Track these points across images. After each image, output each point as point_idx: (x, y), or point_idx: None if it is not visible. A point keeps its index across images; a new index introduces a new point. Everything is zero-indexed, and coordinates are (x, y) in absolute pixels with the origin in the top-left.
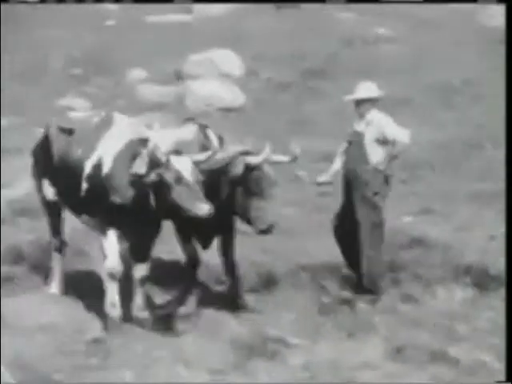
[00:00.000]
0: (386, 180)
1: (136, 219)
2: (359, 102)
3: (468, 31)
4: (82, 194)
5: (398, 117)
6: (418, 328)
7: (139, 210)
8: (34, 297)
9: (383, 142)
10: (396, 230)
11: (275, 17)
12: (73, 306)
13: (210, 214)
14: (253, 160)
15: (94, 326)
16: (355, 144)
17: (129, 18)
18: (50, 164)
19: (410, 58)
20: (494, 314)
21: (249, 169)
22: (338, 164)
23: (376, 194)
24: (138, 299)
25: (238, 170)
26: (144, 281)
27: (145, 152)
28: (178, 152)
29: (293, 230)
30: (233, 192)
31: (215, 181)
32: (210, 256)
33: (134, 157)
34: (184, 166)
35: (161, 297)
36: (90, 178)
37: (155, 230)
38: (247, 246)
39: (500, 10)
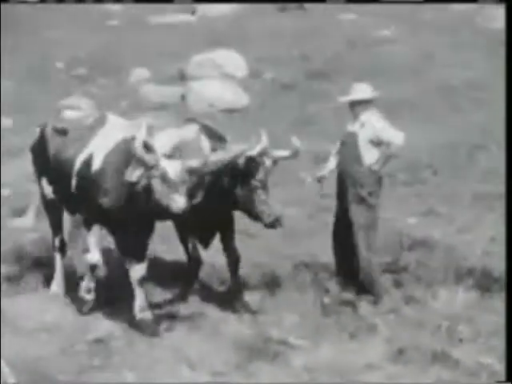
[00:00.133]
0: (379, 181)
1: (126, 219)
2: (354, 104)
3: (471, 33)
4: (73, 191)
5: (400, 119)
6: (420, 330)
7: (129, 210)
8: (37, 297)
9: (377, 143)
10: (399, 232)
11: (279, 18)
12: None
13: (184, 209)
14: (252, 152)
15: (97, 327)
16: (349, 145)
17: (132, 19)
18: (47, 163)
19: (413, 59)
20: (496, 316)
21: (249, 162)
22: (332, 163)
23: (370, 193)
24: (139, 300)
25: (239, 165)
26: (142, 281)
27: (136, 159)
28: (174, 156)
29: (295, 230)
30: (235, 188)
31: (217, 179)
32: (213, 256)
33: (125, 157)
34: (172, 166)
35: (162, 296)
36: (80, 174)
37: (147, 229)
38: (249, 247)
39: (503, 12)
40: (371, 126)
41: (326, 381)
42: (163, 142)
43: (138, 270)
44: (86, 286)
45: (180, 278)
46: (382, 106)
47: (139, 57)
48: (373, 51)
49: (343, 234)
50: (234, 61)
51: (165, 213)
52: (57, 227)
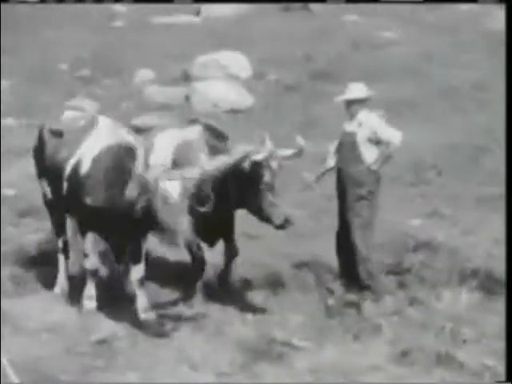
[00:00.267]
0: (378, 180)
1: (116, 223)
2: (349, 103)
3: (474, 34)
4: (64, 193)
5: (404, 119)
6: (424, 331)
7: (120, 215)
8: (41, 298)
9: (376, 141)
10: (403, 233)
11: (283, 19)
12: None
13: (190, 228)
14: (257, 157)
15: (100, 327)
16: (348, 144)
17: (136, 20)
18: (45, 164)
19: (417, 61)
20: (500, 317)
21: (255, 166)
22: (331, 162)
23: (370, 192)
24: (141, 301)
25: (245, 169)
26: (143, 282)
27: (136, 175)
28: (176, 164)
29: (299, 232)
30: (243, 192)
31: (223, 183)
32: (216, 257)
33: (115, 163)
34: (172, 186)
35: (166, 297)
36: (70, 177)
37: (140, 233)
38: (253, 249)
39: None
40: (369, 124)
41: (330, 382)
42: (166, 142)
43: (136, 272)
44: (88, 293)
45: (184, 278)
46: (385, 107)
47: (143, 58)
48: (376, 52)
49: (344, 234)
50: (238, 62)
51: (165, 227)
52: (59, 228)
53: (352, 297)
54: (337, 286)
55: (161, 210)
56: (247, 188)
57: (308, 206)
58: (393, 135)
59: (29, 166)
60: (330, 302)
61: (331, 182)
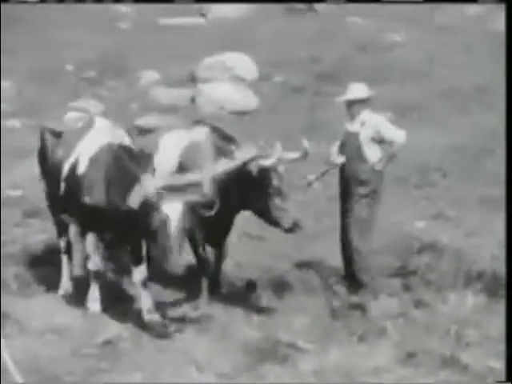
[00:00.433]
0: (382, 179)
1: (116, 223)
2: (350, 103)
3: (480, 36)
4: (62, 193)
5: (409, 121)
6: (429, 333)
7: (120, 216)
8: (46, 299)
9: (379, 141)
10: (408, 235)
11: (288, 21)
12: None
13: (181, 273)
14: (266, 162)
15: (106, 329)
16: (351, 144)
17: (142, 21)
18: (47, 164)
19: (423, 63)
20: (504, 320)
21: (263, 172)
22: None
23: (373, 191)
24: (145, 302)
25: (252, 173)
26: (145, 283)
27: (139, 185)
28: (183, 166)
29: (303, 234)
30: (250, 194)
31: (226, 184)
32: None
33: (114, 160)
34: (174, 210)
35: (171, 299)
36: (67, 177)
37: (140, 234)
38: (258, 251)
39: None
40: (372, 123)
41: None
42: (172, 144)
43: (138, 273)
44: (92, 295)
45: (188, 279)
46: (390, 109)
47: (149, 59)
48: (381, 54)
49: (344, 232)
50: (244, 63)
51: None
52: (61, 228)
53: (357, 298)
54: (342, 288)
55: (159, 232)
56: (255, 192)
57: (312, 208)
58: (396, 134)
59: (34, 166)
60: (335, 303)
61: (335, 183)
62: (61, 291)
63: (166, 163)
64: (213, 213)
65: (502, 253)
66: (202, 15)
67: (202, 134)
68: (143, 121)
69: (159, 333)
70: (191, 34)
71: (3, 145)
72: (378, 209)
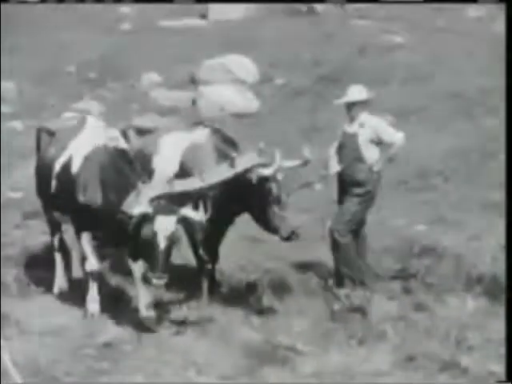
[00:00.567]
0: (378, 180)
1: (111, 222)
2: (350, 106)
3: (482, 39)
4: (53, 191)
5: (411, 125)
6: (429, 337)
7: (116, 215)
8: (46, 300)
9: (377, 142)
10: (408, 239)
11: (290, 23)
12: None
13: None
14: (265, 172)
15: (106, 330)
16: (349, 145)
17: (144, 23)
18: (38, 163)
19: (425, 66)
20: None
21: (263, 180)
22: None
23: (368, 192)
24: (143, 297)
25: (252, 181)
26: (145, 278)
27: (135, 193)
28: (184, 174)
29: (305, 237)
30: (249, 202)
31: (227, 190)
32: (221, 261)
33: (109, 160)
34: (164, 227)
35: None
36: (59, 175)
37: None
38: (258, 253)
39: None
40: (371, 125)
41: None
42: (173, 145)
43: (137, 268)
44: (91, 296)
45: (189, 281)
46: (392, 112)
47: (150, 61)
48: (383, 57)
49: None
50: (245, 66)
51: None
52: (54, 226)
53: (357, 301)
54: (342, 291)
55: (147, 242)
56: (254, 200)
57: (312, 211)
58: (395, 136)
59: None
60: (335, 306)
61: (335, 186)
62: (55, 289)
63: (166, 164)
64: (208, 216)
65: (502, 256)
66: (203, 17)
67: (202, 135)
68: (142, 121)
69: (152, 329)
70: (192, 35)
71: (3, 146)
72: (370, 211)
